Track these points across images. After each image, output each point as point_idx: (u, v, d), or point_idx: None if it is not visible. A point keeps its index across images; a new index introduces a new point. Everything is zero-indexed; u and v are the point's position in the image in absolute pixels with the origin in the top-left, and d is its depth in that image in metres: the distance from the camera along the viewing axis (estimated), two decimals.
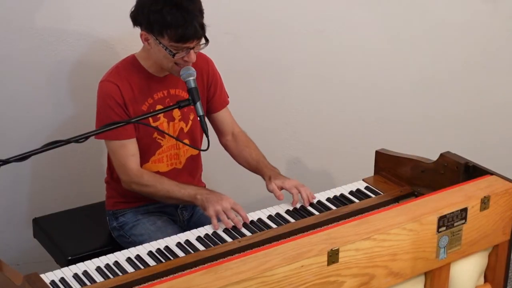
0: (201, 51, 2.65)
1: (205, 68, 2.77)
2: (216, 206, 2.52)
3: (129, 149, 2.65)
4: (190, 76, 2.48)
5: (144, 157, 2.71)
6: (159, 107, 2.67)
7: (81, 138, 2.17)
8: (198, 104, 2.43)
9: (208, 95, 2.80)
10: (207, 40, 2.57)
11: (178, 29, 2.48)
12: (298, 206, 2.65)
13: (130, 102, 2.64)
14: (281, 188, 2.66)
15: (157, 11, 2.49)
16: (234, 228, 2.51)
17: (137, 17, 2.58)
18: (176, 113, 2.72)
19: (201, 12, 2.55)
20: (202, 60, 2.76)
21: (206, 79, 2.77)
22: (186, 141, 2.76)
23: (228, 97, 2.88)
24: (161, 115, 2.69)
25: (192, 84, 2.47)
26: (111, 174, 2.82)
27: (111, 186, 2.85)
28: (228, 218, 2.51)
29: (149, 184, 2.64)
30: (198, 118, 2.47)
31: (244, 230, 2.50)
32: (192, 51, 2.54)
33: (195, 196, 2.58)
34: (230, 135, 2.88)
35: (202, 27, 2.53)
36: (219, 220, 2.53)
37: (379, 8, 3.62)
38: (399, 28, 3.68)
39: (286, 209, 2.63)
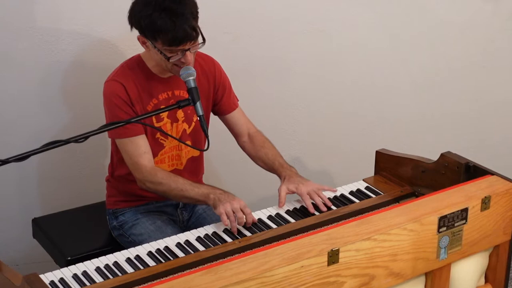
0: (205, 52, 2.64)
1: (212, 71, 2.76)
2: (226, 205, 2.50)
3: (141, 146, 2.62)
4: (190, 76, 2.47)
5: None
6: None
7: (81, 138, 2.17)
8: (198, 104, 2.42)
9: (216, 97, 2.79)
10: (203, 40, 2.56)
11: (168, 34, 2.47)
12: (298, 206, 2.64)
13: (136, 101, 2.63)
14: (293, 193, 2.65)
15: (147, 16, 2.48)
16: None
17: (131, 22, 2.58)
18: (180, 114, 2.72)
19: (192, 14, 2.51)
20: (209, 63, 2.76)
21: (213, 82, 2.76)
22: (188, 142, 2.75)
23: (238, 100, 2.87)
24: (164, 116, 2.68)
25: (192, 84, 2.46)
26: (113, 172, 2.82)
27: (111, 185, 2.85)
28: (235, 220, 2.49)
29: (163, 182, 2.61)
30: (198, 118, 2.46)
31: (244, 230, 2.50)
32: (188, 52, 2.52)
33: (208, 195, 2.56)
34: (246, 136, 2.87)
35: (194, 29, 2.50)
36: None
37: (379, 8, 3.61)
38: (399, 28, 3.68)
39: (286, 209, 2.63)
